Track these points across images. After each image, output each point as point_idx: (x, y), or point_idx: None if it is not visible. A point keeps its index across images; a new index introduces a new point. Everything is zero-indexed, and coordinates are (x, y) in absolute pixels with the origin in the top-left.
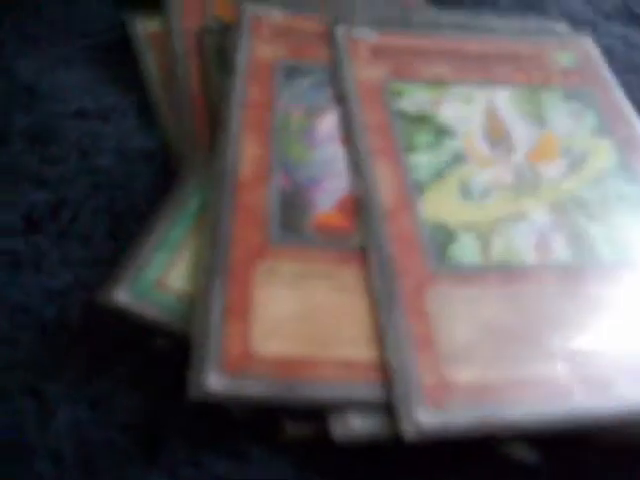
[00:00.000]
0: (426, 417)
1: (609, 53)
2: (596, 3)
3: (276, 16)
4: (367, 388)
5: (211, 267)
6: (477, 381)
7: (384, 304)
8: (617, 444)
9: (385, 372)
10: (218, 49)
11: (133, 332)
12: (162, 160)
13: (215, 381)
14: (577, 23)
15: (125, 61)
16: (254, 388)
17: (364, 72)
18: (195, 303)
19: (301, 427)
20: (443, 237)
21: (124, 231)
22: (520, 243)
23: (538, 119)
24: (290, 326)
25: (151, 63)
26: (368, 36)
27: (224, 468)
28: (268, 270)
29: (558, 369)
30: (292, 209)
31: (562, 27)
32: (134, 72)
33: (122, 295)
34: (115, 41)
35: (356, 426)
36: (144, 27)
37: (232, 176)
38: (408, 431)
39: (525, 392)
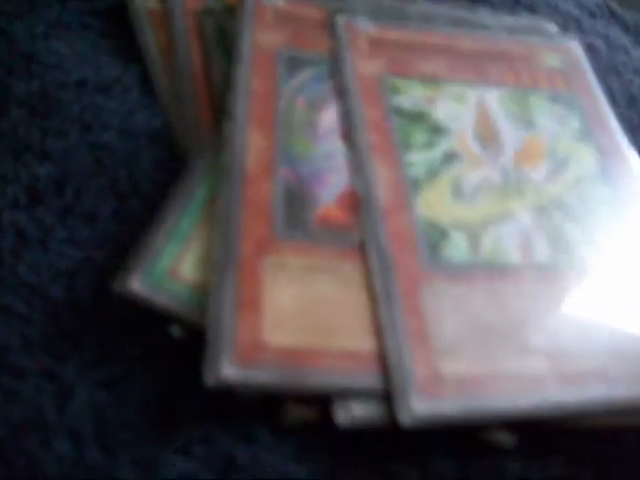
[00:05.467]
0: (419, 406)
1: (592, 51)
2: (580, 1)
3: (279, 2)
4: (367, 378)
5: (222, 261)
6: (464, 374)
7: (382, 300)
8: (585, 430)
9: (383, 363)
10: (219, 30)
11: (144, 317)
12: (166, 140)
13: (229, 370)
14: (564, 19)
15: (123, 31)
16: (264, 377)
17: (363, 66)
18: (208, 296)
19: (302, 411)
20: (436, 235)
21: (128, 212)
22: (505, 243)
23: (525, 121)
24: (296, 318)
25: (151, 41)
26: (367, 27)
27: (233, 447)
28: (275, 264)
29: (535, 364)
30: (296, 204)
31: (551, 27)
32: (133, 42)
33: (137, 283)
34: (111, 6)
35: (357, 412)
36: (143, 2)
37: (239, 169)
38: (404, 418)
39: (506, 384)
